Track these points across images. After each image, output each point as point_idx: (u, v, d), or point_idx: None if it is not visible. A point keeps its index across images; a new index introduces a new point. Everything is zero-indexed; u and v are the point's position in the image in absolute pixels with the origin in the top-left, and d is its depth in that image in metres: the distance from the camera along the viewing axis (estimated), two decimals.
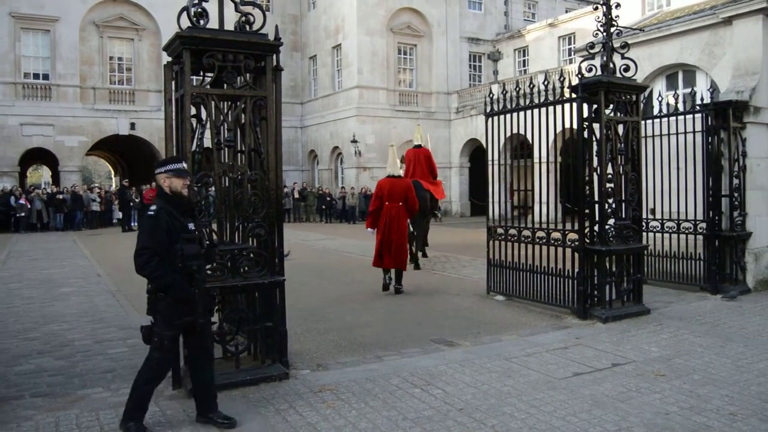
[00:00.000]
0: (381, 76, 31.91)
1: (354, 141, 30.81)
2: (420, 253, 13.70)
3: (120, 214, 25.94)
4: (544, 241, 8.69)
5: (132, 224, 25.77)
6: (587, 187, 8.12)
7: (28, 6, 28.55)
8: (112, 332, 7.53)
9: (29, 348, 6.79)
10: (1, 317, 8.45)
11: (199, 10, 5.31)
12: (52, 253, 16.87)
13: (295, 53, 36.39)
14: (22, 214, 24.58)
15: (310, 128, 36.08)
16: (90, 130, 30.06)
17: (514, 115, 9.07)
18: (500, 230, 9.37)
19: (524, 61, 33.86)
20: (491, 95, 9.55)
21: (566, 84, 8.24)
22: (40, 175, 59.63)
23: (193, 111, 5.36)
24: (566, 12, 34.53)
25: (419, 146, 14.53)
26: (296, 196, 30.64)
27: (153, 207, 4.27)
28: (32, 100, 28.84)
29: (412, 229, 11.99)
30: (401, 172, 11.18)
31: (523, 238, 9.02)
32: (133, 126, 30.72)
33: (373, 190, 10.69)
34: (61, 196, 25.78)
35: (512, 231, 9.20)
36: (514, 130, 8.96)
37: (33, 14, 28.67)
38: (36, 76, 29.36)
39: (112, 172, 50.22)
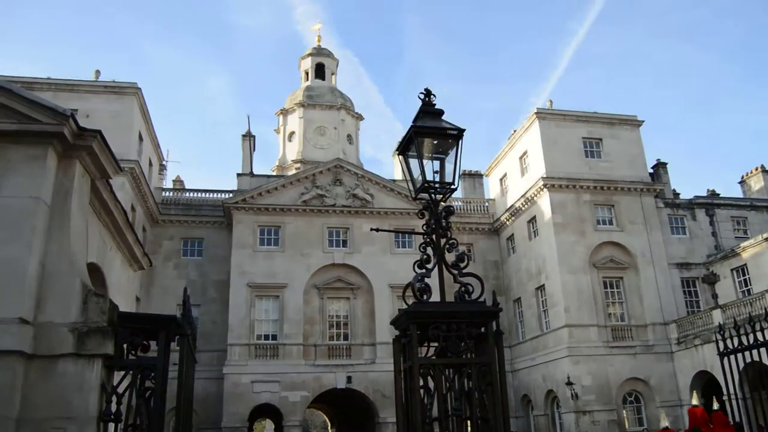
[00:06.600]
0: (589, 313, 31.00)
1: (569, 383, 29.20)
2: None
3: None
4: None
5: None
6: None
7: (263, 276, 32.75)
8: None
9: None
10: None
11: (423, 286, 5.78)
12: None
13: (499, 297, 36.78)
14: None
15: (521, 372, 35.02)
16: (311, 385, 31.81)
17: (754, 351, 8.20)
18: None
19: (745, 280, 31.23)
20: (721, 332, 8.81)
21: None
22: (263, 427, 62.83)
23: (421, 381, 5.58)
24: None
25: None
26: None
27: None
28: (262, 359, 31.66)
29: None
30: None
31: None
32: (349, 379, 32.06)
33: None
34: None
35: None
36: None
37: (266, 283, 32.73)
38: (266, 337, 32.56)
39: (329, 423, 51.75)
